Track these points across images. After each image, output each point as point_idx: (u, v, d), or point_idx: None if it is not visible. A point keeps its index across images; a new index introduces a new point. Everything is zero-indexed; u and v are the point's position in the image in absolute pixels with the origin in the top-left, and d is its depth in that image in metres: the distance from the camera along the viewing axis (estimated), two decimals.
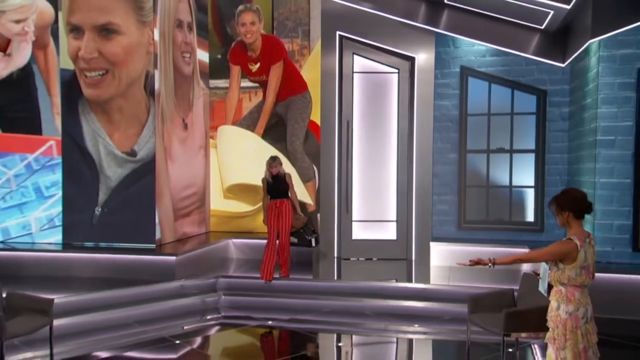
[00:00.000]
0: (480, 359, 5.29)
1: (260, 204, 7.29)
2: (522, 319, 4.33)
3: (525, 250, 6.81)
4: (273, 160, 7.18)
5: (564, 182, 8.22)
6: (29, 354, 5.30)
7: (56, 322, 5.49)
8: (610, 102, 6.89)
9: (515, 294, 5.05)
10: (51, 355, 4.88)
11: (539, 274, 3.91)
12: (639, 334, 5.92)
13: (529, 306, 4.47)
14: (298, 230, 8.00)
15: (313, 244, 8.13)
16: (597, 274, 6.18)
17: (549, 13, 7.09)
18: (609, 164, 6.95)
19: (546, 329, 3.69)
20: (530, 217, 8.59)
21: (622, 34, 6.65)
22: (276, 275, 7.20)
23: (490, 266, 3.82)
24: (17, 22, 8.17)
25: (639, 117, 6.87)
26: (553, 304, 3.64)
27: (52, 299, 4.84)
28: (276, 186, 7.16)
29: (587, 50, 7.30)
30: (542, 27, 7.71)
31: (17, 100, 8.25)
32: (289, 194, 7.24)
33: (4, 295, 4.91)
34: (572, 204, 3.60)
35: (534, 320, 4.03)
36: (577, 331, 3.54)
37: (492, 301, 4.81)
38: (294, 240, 7.95)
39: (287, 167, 9.12)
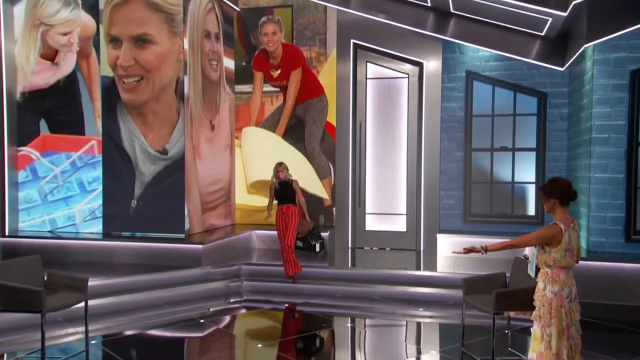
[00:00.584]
0: (476, 338, 5.31)
1: (276, 201, 7.29)
2: (511, 298, 4.33)
3: None
4: (279, 165, 7.11)
5: None
6: (70, 329, 5.48)
7: (95, 302, 5.71)
8: (604, 103, 6.80)
9: (508, 278, 5.05)
10: (86, 329, 5.00)
11: (528, 258, 3.92)
12: (631, 318, 5.92)
13: (518, 287, 4.47)
14: (304, 235, 8.04)
15: (317, 249, 8.15)
16: (592, 263, 6.31)
17: (548, 20, 7.04)
18: (603, 160, 6.86)
19: (533, 308, 3.70)
20: (531, 211, 8.52)
21: (615, 38, 6.56)
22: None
23: (483, 253, 3.84)
24: (64, 34, 8.39)
25: (632, 116, 6.77)
26: (540, 284, 3.65)
27: (87, 278, 4.95)
28: (283, 191, 7.12)
29: (583, 55, 7.23)
30: (542, 34, 7.65)
31: (64, 104, 8.46)
32: (297, 200, 7.16)
33: (45, 276, 5.07)
34: (558, 191, 3.61)
35: (522, 299, 4.04)
36: (561, 310, 3.55)
37: (485, 283, 4.81)
38: (300, 244, 7.99)
39: (305, 165, 9.22)
